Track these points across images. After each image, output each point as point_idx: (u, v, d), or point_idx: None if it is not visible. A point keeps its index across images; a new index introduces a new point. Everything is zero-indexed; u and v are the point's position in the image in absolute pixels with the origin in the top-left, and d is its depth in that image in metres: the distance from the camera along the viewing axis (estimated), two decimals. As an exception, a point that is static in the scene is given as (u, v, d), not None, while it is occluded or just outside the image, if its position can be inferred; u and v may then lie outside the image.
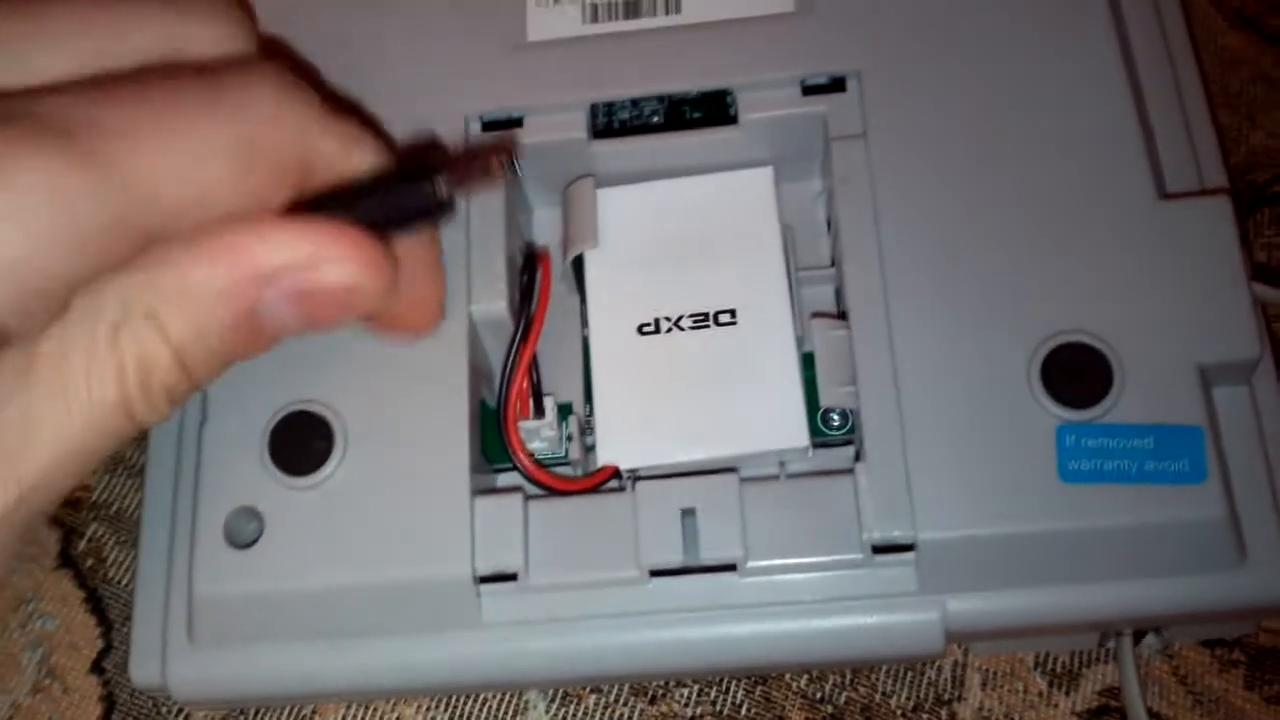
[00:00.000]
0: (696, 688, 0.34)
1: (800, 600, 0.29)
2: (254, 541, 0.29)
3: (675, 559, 0.29)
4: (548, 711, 0.34)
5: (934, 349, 0.30)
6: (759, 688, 0.34)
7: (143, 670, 0.31)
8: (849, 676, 0.34)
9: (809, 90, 0.33)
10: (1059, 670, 0.34)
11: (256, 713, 0.35)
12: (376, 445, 0.30)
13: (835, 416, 0.32)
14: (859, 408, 0.30)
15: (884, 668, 0.34)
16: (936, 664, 0.34)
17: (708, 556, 0.29)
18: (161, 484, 0.32)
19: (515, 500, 0.30)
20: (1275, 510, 0.29)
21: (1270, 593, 0.29)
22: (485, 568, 0.29)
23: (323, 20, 0.35)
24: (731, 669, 0.33)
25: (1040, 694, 0.34)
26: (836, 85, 0.33)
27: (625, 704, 0.34)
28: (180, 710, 0.35)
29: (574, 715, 0.34)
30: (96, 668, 0.36)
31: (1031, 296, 0.30)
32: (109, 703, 0.35)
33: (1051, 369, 0.29)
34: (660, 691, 0.34)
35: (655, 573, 0.29)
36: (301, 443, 0.30)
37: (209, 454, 0.30)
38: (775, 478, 0.30)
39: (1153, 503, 0.28)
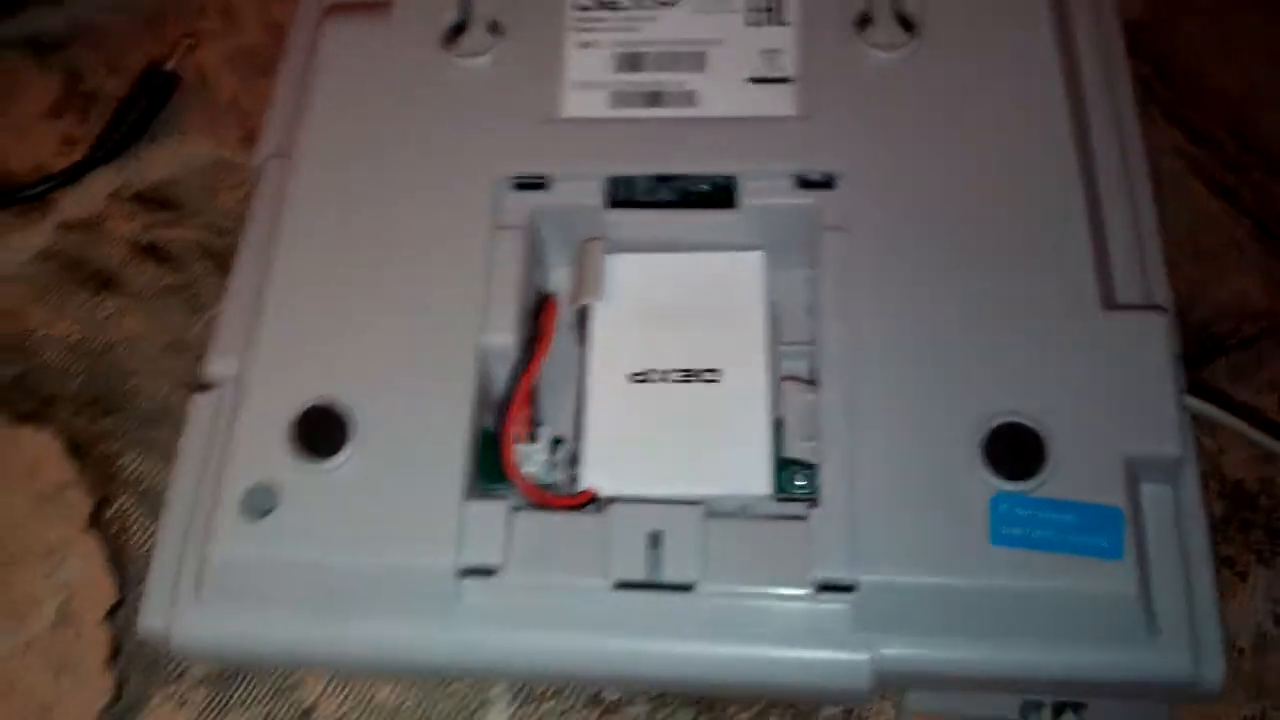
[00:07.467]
0: (649, 707, 0.37)
1: (747, 625, 0.32)
2: (268, 514, 0.33)
3: (639, 574, 0.32)
4: (508, 706, 0.37)
5: (891, 416, 0.33)
6: (703, 716, 0.37)
7: (150, 618, 0.34)
8: (790, 718, 0.37)
9: (803, 184, 0.37)
10: (987, 739, 0.36)
11: (245, 677, 0.38)
12: (387, 442, 0.34)
13: (800, 479, 0.35)
14: (819, 461, 0.33)
15: (823, 712, 0.37)
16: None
17: (669, 575, 0.32)
18: (192, 454, 0.36)
19: (502, 505, 0.33)
20: (1187, 597, 0.32)
21: (1177, 670, 0.32)
22: (468, 561, 0.32)
23: (386, 79, 0.40)
24: (679, 682, 0.35)
25: (967, 759, 0.36)
26: (827, 183, 0.37)
27: (579, 712, 0.37)
28: (178, 663, 0.38)
29: (531, 717, 0.37)
30: (110, 619, 0.39)
31: (982, 379, 0.34)
32: (116, 649, 0.39)
33: (993, 444, 0.33)
34: (614, 704, 0.37)
35: (620, 585, 0.33)
36: (322, 432, 0.34)
37: (240, 433, 0.34)
38: (737, 516, 0.34)
39: (1073, 572, 0.32)
